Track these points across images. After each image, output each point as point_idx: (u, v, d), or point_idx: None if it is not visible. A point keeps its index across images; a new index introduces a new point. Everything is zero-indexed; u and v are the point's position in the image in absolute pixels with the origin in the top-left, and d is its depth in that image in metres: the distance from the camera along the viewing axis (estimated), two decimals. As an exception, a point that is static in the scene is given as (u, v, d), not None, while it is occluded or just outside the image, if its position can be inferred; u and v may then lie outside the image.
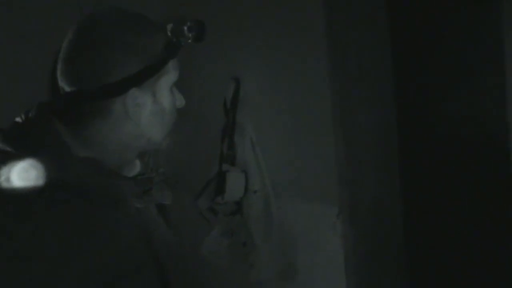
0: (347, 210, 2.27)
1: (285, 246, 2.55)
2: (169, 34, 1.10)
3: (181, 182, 2.67)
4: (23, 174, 0.97)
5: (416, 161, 2.47)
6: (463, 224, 2.44)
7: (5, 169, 0.98)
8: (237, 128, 2.61)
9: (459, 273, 2.46)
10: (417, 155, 2.47)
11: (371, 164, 2.30)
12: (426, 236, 2.50)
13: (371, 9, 2.27)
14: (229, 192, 2.57)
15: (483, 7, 2.28)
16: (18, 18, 2.66)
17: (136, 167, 1.15)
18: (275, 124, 2.52)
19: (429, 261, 2.51)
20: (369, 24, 2.27)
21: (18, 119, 1.08)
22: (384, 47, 2.29)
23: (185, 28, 1.10)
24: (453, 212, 2.45)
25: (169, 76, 1.10)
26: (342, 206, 2.27)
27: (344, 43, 2.23)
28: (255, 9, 2.55)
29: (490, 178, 2.35)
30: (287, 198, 2.50)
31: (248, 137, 2.58)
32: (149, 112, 1.08)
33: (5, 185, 0.97)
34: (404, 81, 2.39)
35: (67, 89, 1.04)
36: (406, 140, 2.41)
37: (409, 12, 2.41)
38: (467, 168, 2.41)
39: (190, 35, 1.11)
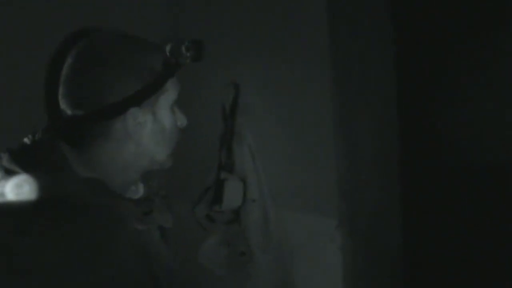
0: (346, 222, 2.24)
1: (283, 257, 2.52)
2: (167, 53, 1.11)
3: (178, 191, 2.65)
4: (16, 189, 0.99)
5: (416, 173, 2.43)
6: (464, 237, 2.41)
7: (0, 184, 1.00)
8: (235, 136, 2.58)
9: (457, 286, 2.43)
10: (418, 168, 2.44)
11: (371, 176, 2.28)
12: (425, 249, 2.47)
13: (375, 17, 2.25)
14: (227, 201, 2.54)
15: (490, 14, 2.25)
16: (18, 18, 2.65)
17: (140, 190, 1.17)
18: (275, 132, 2.49)
19: (428, 274, 2.47)
20: (373, 33, 2.24)
21: (26, 140, 1.10)
22: (388, 57, 2.26)
23: (183, 47, 1.11)
24: (454, 226, 2.42)
25: (169, 95, 1.11)
26: (341, 218, 2.24)
27: (348, 52, 2.20)
28: (256, 14, 2.53)
29: (495, 188, 2.32)
30: (286, 208, 2.47)
31: (247, 145, 2.55)
32: (150, 131, 1.09)
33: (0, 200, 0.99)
34: (406, 95, 2.36)
35: (69, 112, 1.07)
36: (407, 152, 2.38)
37: (413, 20, 2.38)
38: (469, 181, 2.38)
39: (188, 54, 1.12)
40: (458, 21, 2.33)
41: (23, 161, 1.04)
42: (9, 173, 1.03)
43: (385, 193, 2.32)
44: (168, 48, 1.11)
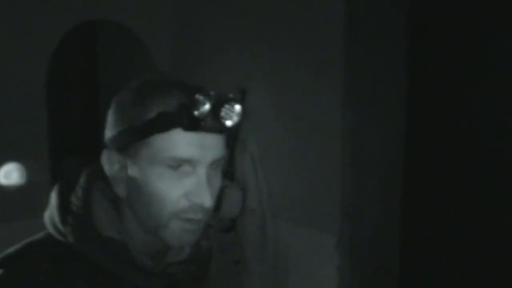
0: (346, 242, 2.20)
1: (278, 269, 2.48)
2: (176, 107, 0.91)
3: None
4: (6, 176, 0.93)
5: (418, 199, 2.40)
6: (465, 261, 2.38)
7: None
8: (239, 143, 2.53)
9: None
10: (419, 193, 2.40)
11: (374, 198, 2.24)
12: (425, 273, 2.43)
13: (390, 33, 2.19)
14: (225, 208, 2.49)
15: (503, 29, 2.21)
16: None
17: (183, 254, 1.02)
18: (280, 142, 2.44)
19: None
20: (387, 45, 2.19)
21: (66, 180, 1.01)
22: (401, 75, 2.22)
23: (213, 105, 0.90)
24: (455, 249, 2.39)
25: (153, 151, 0.92)
26: (341, 237, 2.20)
27: (361, 66, 2.15)
28: (267, 20, 2.47)
29: (498, 210, 2.29)
30: (285, 221, 2.42)
31: (250, 154, 2.51)
32: (125, 184, 0.95)
33: None
34: (415, 116, 2.32)
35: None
36: (410, 176, 2.34)
37: (427, 31, 2.34)
38: (471, 204, 2.34)
39: (208, 115, 0.90)
40: (471, 32, 2.28)
41: (62, 212, 0.96)
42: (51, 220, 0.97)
43: (386, 216, 2.28)
44: (193, 96, 0.90)
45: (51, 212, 0.97)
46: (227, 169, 2.51)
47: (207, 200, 0.92)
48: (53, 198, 0.98)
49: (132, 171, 0.94)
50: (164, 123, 0.90)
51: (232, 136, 2.51)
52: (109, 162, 0.96)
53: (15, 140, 2.61)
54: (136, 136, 0.92)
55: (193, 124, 0.90)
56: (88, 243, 0.93)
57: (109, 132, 0.96)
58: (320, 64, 2.26)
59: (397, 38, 2.26)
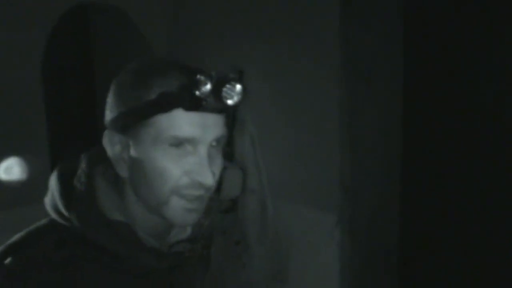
0: (346, 220, 2.20)
1: (279, 249, 2.48)
2: (186, 81, 0.91)
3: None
4: (7, 171, 0.93)
5: (417, 175, 2.40)
6: (462, 237, 2.39)
7: None
8: (237, 124, 2.52)
9: (452, 284, 2.42)
10: (418, 170, 2.40)
11: (373, 175, 2.24)
12: (421, 249, 2.44)
13: (386, 14, 2.18)
14: (225, 190, 2.48)
15: (498, 13, 2.19)
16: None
17: (186, 232, 1.04)
18: (278, 122, 2.43)
19: (425, 273, 2.46)
20: (383, 31, 2.18)
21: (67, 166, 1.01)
22: (397, 55, 2.21)
23: (214, 84, 0.90)
24: (452, 226, 2.40)
25: (158, 131, 0.92)
26: (341, 215, 2.21)
27: (357, 45, 2.14)
28: (263, 2, 2.45)
29: (496, 189, 2.30)
30: (286, 201, 2.43)
31: (248, 134, 2.50)
32: (128, 164, 0.96)
33: None
34: (412, 96, 2.32)
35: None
36: (409, 154, 2.34)
37: (422, 20, 2.32)
38: (470, 181, 2.35)
39: (211, 95, 0.90)
40: (469, 11, 2.27)
41: (65, 197, 0.96)
42: (55, 207, 0.97)
43: (386, 193, 2.29)
44: (194, 76, 0.90)
45: (52, 197, 0.97)
46: (226, 149, 2.50)
47: (208, 178, 0.93)
48: (54, 183, 0.98)
49: (134, 151, 0.94)
50: (165, 104, 0.91)
51: (231, 117, 2.50)
52: (111, 143, 0.96)
53: (15, 134, 2.59)
54: (138, 116, 0.92)
55: (195, 104, 0.90)
56: (94, 227, 0.94)
57: (110, 113, 0.96)
58: (316, 45, 2.25)
59: (393, 18, 2.25)
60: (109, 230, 0.94)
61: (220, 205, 2.63)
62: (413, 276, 2.46)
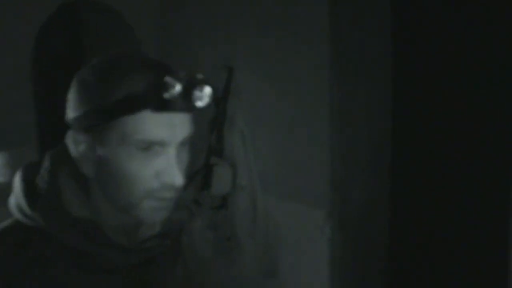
0: (336, 215, 2.22)
1: (269, 245, 2.50)
2: (153, 81, 0.89)
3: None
4: None
5: (406, 169, 2.42)
6: (452, 232, 2.41)
7: None
8: (227, 120, 2.53)
9: (445, 282, 2.44)
10: (407, 164, 2.42)
11: (363, 170, 2.25)
12: (413, 244, 2.46)
13: (375, 11, 2.19)
14: (215, 186, 2.50)
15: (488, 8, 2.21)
16: None
17: (155, 228, 1.02)
18: (268, 119, 2.44)
19: (415, 268, 2.47)
20: (373, 26, 2.19)
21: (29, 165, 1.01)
22: (387, 52, 2.22)
23: (180, 86, 0.89)
24: (442, 220, 2.42)
25: (124, 132, 0.90)
26: (331, 210, 2.22)
27: (347, 40, 2.15)
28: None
29: (485, 185, 2.31)
30: (276, 196, 2.44)
31: (238, 130, 2.51)
32: (92, 164, 0.94)
33: None
34: (402, 92, 2.33)
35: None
36: (398, 148, 2.35)
37: (412, 16, 2.33)
38: (458, 177, 2.37)
39: (178, 97, 0.89)
40: (457, 4, 2.28)
41: (29, 197, 0.95)
42: (17, 205, 0.96)
43: (375, 187, 2.30)
44: (163, 77, 0.89)
45: (16, 197, 0.96)
46: (216, 146, 2.51)
47: (178, 179, 0.92)
48: (17, 183, 0.97)
49: (100, 151, 0.92)
50: (132, 105, 0.89)
51: (220, 113, 2.51)
52: (75, 142, 0.94)
53: (2, 133, 2.57)
54: (103, 117, 0.90)
55: (163, 105, 0.89)
56: (60, 225, 0.92)
57: (73, 111, 0.94)
58: (306, 39, 2.26)
59: (382, 15, 2.26)
60: (75, 228, 0.93)
61: (211, 202, 2.65)
62: (403, 271, 2.47)
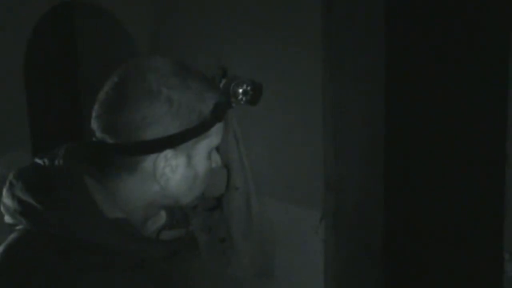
0: (331, 215, 2.22)
1: (264, 246, 2.50)
2: (221, 93, 0.99)
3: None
4: None
5: (400, 171, 2.42)
6: (446, 231, 2.42)
7: None
8: (221, 122, 2.53)
9: (439, 282, 2.45)
10: (401, 165, 2.43)
11: (357, 172, 2.26)
12: (407, 244, 2.47)
13: (368, 9, 2.19)
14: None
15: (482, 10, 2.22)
16: None
17: (161, 219, 1.05)
18: (262, 120, 2.44)
19: (410, 268, 2.48)
20: (366, 28, 2.20)
21: (39, 162, 0.99)
22: (379, 51, 2.23)
23: (241, 90, 1.02)
24: (436, 220, 2.43)
25: (211, 140, 0.98)
26: (325, 211, 2.22)
27: (341, 41, 2.16)
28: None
29: (479, 181, 2.32)
30: (270, 198, 2.44)
31: (232, 132, 2.51)
32: (181, 176, 0.97)
33: None
34: (396, 90, 2.34)
35: (99, 134, 0.96)
36: (391, 150, 2.36)
37: (406, 18, 2.34)
38: (453, 177, 2.38)
39: (244, 98, 1.03)
40: (450, 17, 2.29)
41: (41, 193, 0.93)
42: (23, 205, 0.93)
43: (369, 189, 2.31)
44: (223, 88, 1.00)
45: (23, 205, 0.94)
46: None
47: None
48: (23, 192, 0.95)
49: (186, 162, 0.98)
50: (221, 113, 0.97)
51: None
52: (166, 161, 0.95)
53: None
54: (202, 129, 0.96)
55: (227, 110, 1.00)
56: (97, 228, 0.92)
57: (162, 131, 0.93)
58: (300, 40, 2.26)
59: (376, 13, 2.27)
60: (113, 228, 0.93)
61: (205, 203, 2.65)
62: (397, 270, 2.48)
